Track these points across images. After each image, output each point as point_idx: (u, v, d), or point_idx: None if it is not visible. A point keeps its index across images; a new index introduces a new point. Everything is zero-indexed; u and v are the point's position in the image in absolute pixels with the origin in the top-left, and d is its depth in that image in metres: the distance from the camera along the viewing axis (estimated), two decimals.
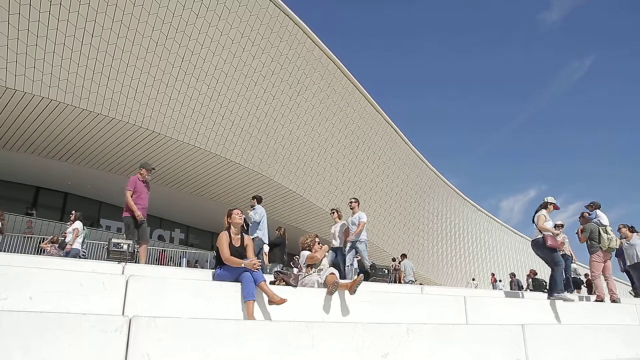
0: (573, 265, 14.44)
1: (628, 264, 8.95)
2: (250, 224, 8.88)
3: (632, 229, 8.93)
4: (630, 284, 10.57)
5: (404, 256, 16.54)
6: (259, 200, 9.44)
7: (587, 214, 8.94)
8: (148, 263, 16.72)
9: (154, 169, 7.64)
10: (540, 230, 6.91)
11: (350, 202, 9.07)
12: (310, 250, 5.49)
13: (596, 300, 8.00)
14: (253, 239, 7.98)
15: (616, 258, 10.08)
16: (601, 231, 8.38)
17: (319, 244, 5.82)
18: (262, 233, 8.96)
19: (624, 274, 10.69)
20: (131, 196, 6.97)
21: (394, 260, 19.61)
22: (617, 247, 8.35)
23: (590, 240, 8.16)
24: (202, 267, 18.27)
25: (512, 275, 20.48)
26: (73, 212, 10.03)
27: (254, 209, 9.22)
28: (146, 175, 7.29)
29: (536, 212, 7.26)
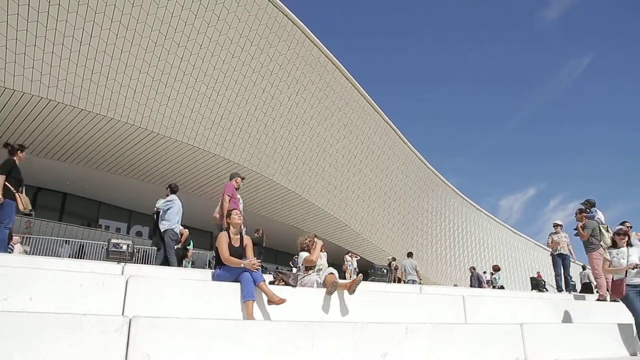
0: (585, 271, 14.36)
1: None
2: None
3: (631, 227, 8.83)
4: None
5: (410, 254, 15.93)
6: (173, 189, 8.55)
7: (583, 211, 8.89)
8: (146, 263, 16.75)
9: (244, 177, 8.38)
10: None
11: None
12: (309, 251, 5.46)
13: (598, 299, 7.99)
14: (164, 231, 7.57)
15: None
16: (602, 229, 8.37)
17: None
18: (169, 224, 7.91)
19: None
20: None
21: (393, 260, 19.50)
22: None
23: (590, 237, 8.13)
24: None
25: (472, 269, 18.25)
26: None
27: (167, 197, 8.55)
28: (240, 183, 7.94)
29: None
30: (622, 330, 5.42)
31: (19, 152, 6.69)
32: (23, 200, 6.57)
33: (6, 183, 6.31)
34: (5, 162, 6.57)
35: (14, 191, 6.44)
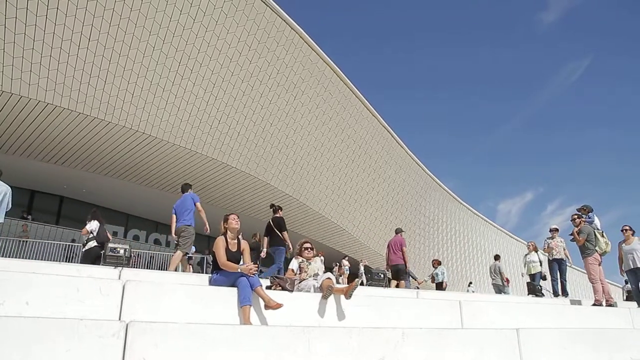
0: (627, 286, 14.21)
1: (624, 268, 8.83)
2: None
3: (633, 232, 8.77)
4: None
5: (496, 257, 15.58)
6: None
7: (577, 216, 8.89)
8: (144, 268, 16.68)
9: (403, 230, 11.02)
10: None
11: None
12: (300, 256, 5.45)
13: (594, 304, 8.03)
14: None
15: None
16: (597, 234, 8.42)
17: (307, 261, 5.37)
18: None
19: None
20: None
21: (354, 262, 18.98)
22: (610, 251, 8.39)
23: (586, 242, 8.17)
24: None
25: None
26: None
27: None
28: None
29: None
30: (619, 336, 5.44)
31: (280, 210, 9.06)
32: (290, 249, 8.51)
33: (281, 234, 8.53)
34: (283, 220, 8.90)
35: (285, 241, 8.66)
